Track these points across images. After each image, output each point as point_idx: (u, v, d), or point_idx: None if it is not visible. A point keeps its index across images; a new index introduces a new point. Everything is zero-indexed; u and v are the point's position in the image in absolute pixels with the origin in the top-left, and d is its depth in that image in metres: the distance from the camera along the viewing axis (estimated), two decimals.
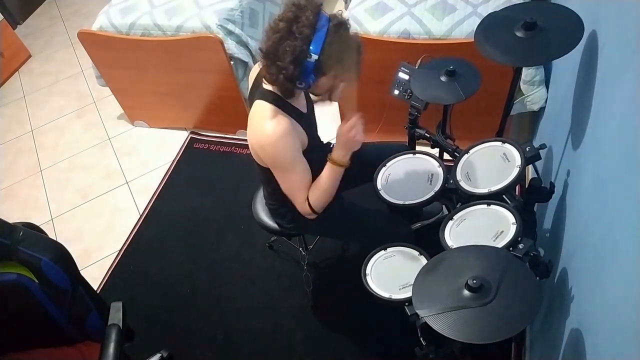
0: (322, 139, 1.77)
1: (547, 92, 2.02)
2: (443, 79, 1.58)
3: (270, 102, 1.34)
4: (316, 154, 1.59)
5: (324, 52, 1.22)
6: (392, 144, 1.81)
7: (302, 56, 1.22)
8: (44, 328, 1.43)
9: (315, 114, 1.60)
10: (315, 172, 1.58)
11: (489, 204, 1.36)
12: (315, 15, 1.21)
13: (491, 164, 1.44)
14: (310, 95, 1.50)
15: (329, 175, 1.43)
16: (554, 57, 1.41)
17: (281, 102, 1.35)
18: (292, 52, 1.21)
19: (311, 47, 1.21)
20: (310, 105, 1.52)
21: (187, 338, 2.06)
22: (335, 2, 3.54)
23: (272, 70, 1.26)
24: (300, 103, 1.44)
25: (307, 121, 1.45)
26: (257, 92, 1.39)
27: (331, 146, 1.77)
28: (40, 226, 1.52)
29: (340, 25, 1.24)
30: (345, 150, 1.40)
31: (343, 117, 1.74)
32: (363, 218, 1.68)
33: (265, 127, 1.33)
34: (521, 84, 2.02)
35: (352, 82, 1.36)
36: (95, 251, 2.47)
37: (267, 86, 1.36)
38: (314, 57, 1.21)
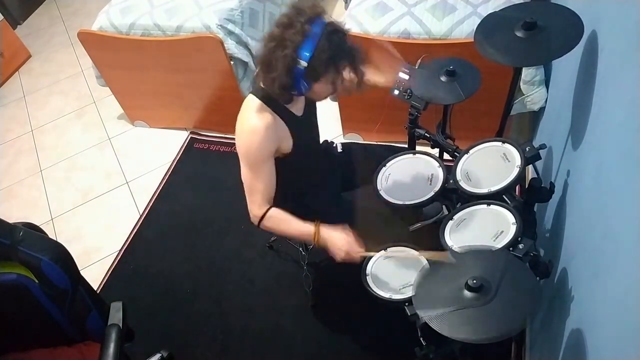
0: (325, 139, 1.77)
1: (547, 92, 2.02)
2: (443, 79, 1.58)
3: (260, 99, 1.35)
4: (313, 157, 1.59)
5: (315, 59, 1.20)
6: (396, 147, 1.81)
7: (293, 63, 1.21)
8: (44, 328, 1.43)
9: (317, 118, 1.60)
10: (314, 175, 1.57)
11: (489, 204, 1.36)
12: (309, 20, 1.20)
13: (491, 164, 1.44)
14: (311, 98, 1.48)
15: (300, 228, 1.41)
16: (554, 57, 1.41)
17: (272, 102, 1.35)
18: (284, 61, 1.21)
19: (300, 53, 1.20)
20: (309, 109, 1.51)
21: (187, 338, 2.06)
22: (335, 2, 3.54)
23: (267, 80, 1.27)
24: (295, 106, 1.43)
25: (300, 125, 1.44)
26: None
27: (334, 145, 1.78)
28: (40, 226, 1.52)
29: (335, 32, 1.22)
30: (328, 246, 1.38)
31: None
32: (363, 218, 1.68)
33: (246, 118, 1.34)
34: (521, 84, 2.02)
35: (352, 91, 1.33)
36: (95, 251, 2.47)
37: (262, 84, 1.36)
38: (303, 63, 1.20)
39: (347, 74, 1.28)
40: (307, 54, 1.19)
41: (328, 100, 2.52)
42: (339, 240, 1.36)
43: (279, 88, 1.25)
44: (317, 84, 1.27)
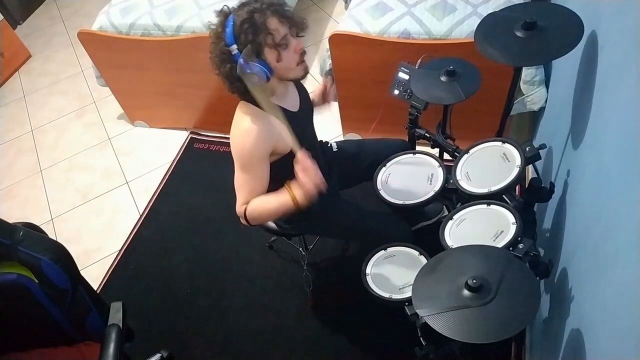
0: (324, 139, 1.77)
1: (547, 92, 2.02)
2: (443, 79, 1.58)
3: (250, 101, 1.35)
4: (310, 153, 1.58)
5: (239, 37, 1.21)
6: (392, 142, 1.81)
7: (228, 56, 1.24)
8: (44, 328, 1.43)
9: (313, 113, 1.60)
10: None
11: (489, 204, 1.36)
12: (223, 13, 1.25)
13: (491, 164, 1.44)
14: (299, 80, 1.46)
15: (278, 201, 1.34)
16: (554, 57, 1.41)
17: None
18: (219, 55, 1.25)
19: (227, 42, 1.23)
20: (305, 105, 1.51)
21: (187, 338, 2.06)
22: (335, 2, 3.54)
23: (229, 87, 1.31)
24: (288, 102, 1.43)
25: (295, 120, 1.42)
26: None
27: (329, 145, 1.78)
28: (40, 226, 1.51)
29: (241, 6, 1.24)
30: (306, 196, 1.27)
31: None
32: (362, 218, 1.68)
33: (239, 120, 1.36)
34: (521, 84, 2.02)
35: (297, 33, 1.31)
36: (95, 251, 2.47)
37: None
38: (234, 47, 1.22)
39: (278, 24, 1.25)
40: (231, 38, 1.22)
41: None
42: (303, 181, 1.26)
43: (238, 86, 1.28)
44: (266, 57, 1.26)
